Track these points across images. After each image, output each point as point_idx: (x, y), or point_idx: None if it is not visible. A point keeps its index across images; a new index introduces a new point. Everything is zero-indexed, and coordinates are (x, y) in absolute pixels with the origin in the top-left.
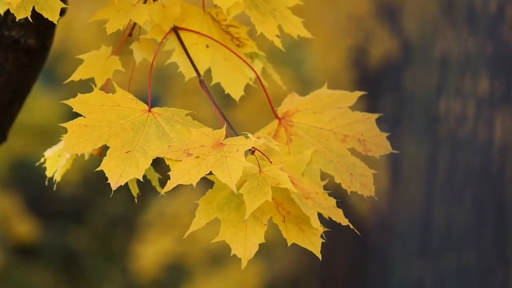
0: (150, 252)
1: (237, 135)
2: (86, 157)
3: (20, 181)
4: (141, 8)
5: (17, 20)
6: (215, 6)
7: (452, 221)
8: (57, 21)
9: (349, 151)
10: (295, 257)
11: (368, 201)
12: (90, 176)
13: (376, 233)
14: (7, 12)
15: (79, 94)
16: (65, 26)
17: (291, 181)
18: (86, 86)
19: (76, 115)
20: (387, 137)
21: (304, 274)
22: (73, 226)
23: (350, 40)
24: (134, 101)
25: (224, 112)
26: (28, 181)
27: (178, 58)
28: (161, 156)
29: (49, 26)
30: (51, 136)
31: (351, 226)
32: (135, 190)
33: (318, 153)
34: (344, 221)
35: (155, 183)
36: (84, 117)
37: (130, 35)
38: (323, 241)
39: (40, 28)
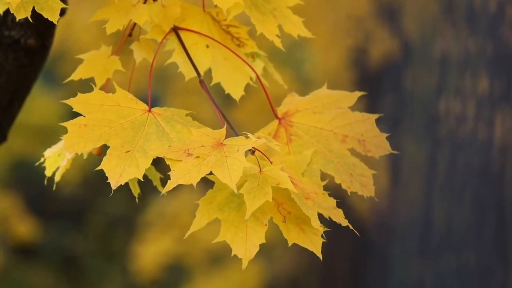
0: (150, 252)
1: (237, 135)
2: (85, 156)
3: (20, 181)
4: (141, 8)
5: (17, 20)
6: (215, 6)
7: (452, 221)
8: (57, 21)
9: (349, 151)
10: (295, 257)
11: (368, 201)
12: (90, 176)
13: (376, 233)
14: (7, 12)
15: (79, 94)
16: (65, 26)
17: (291, 181)
18: (86, 86)
19: (76, 114)
20: (387, 137)
21: (304, 274)
22: (73, 226)
23: (350, 40)
24: (134, 101)
25: (224, 112)
26: (28, 181)
27: (178, 58)
28: (161, 156)
29: (49, 26)
30: (51, 136)
31: (351, 227)
32: (136, 190)
33: (318, 153)
34: (344, 222)
35: (157, 182)
36: (84, 116)
37: (130, 35)
38: (324, 241)
39: (40, 28)
